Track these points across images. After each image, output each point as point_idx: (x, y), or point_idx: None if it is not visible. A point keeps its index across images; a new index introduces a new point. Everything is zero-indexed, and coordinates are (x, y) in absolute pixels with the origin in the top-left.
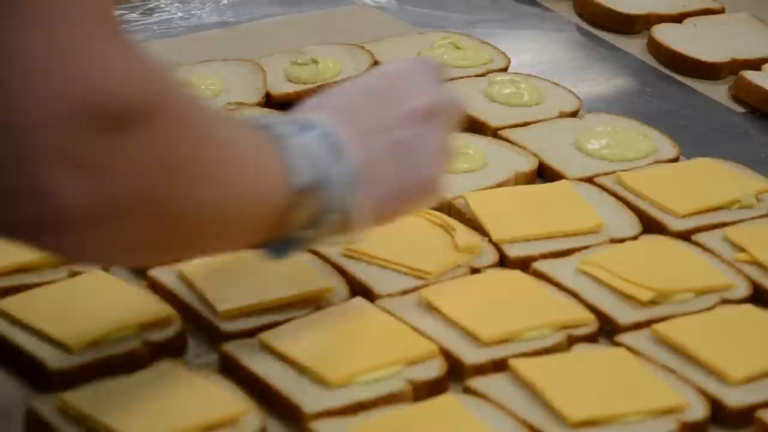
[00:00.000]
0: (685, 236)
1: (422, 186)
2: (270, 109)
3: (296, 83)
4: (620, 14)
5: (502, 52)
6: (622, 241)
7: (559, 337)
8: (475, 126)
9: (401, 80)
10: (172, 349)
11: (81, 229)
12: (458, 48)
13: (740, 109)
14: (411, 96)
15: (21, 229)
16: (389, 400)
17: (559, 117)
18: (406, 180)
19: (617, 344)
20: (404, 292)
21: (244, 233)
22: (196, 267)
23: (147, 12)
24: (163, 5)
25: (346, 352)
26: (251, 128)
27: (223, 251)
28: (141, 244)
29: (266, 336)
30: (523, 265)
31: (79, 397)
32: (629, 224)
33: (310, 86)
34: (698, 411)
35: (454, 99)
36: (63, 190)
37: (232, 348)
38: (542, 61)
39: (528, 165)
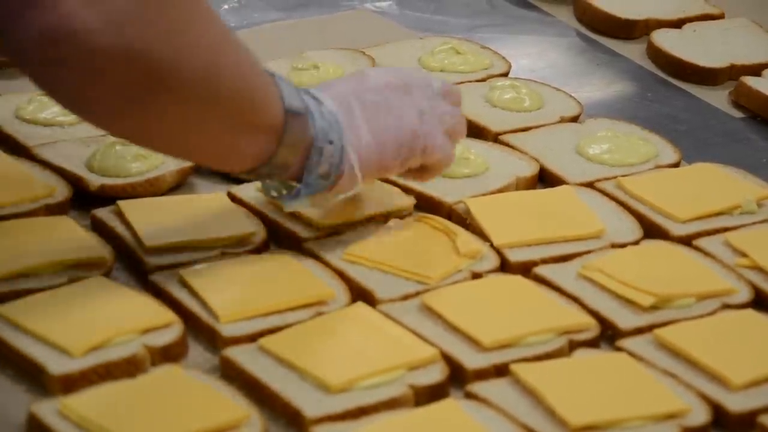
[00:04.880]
0: (686, 241)
1: (398, 139)
2: None
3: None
4: (620, 19)
5: (503, 57)
6: (623, 246)
7: (561, 342)
8: (475, 131)
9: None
10: (173, 354)
11: (78, 52)
12: (459, 53)
13: (740, 115)
14: (380, 74)
15: (29, 38)
16: (390, 405)
17: (560, 122)
18: (382, 133)
19: (618, 349)
20: (405, 297)
21: (244, 131)
22: (197, 272)
23: None
24: None
25: (347, 357)
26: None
27: (219, 157)
28: (127, 94)
29: (267, 341)
30: (525, 270)
31: (80, 402)
32: (630, 229)
33: None
34: (700, 416)
35: (432, 79)
36: (74, 11)
37: (233, 353)
38: (543, 66)
39: (529, 170)
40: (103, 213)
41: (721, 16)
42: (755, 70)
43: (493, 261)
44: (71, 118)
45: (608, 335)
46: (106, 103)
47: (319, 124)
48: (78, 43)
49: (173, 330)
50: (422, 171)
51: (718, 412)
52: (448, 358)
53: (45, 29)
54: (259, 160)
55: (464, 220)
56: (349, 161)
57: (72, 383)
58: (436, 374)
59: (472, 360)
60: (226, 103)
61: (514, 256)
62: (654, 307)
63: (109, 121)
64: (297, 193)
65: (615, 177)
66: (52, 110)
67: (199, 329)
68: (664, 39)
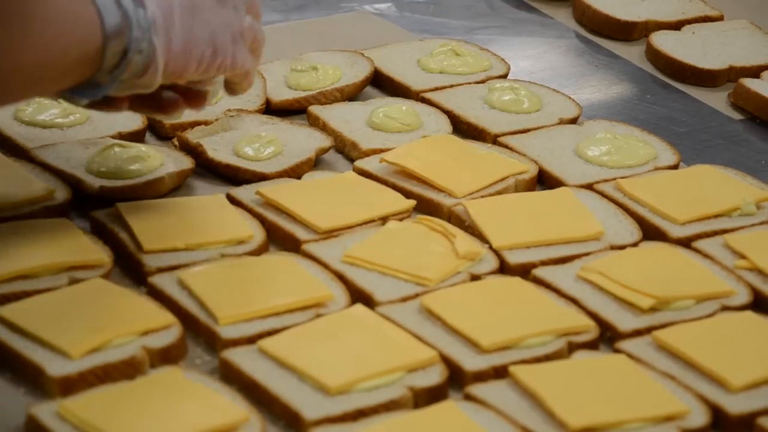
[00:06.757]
0: (686, 243)
1: (204, 52)
2: (270, 116)
3: (296, 90)
4: (619, 21)
5: (502, 59)
6: (622, 247)
7: (560, 343)
8: (475, 133)
9: None
10: (172, 356)
11: None
12: (458, 55)
13: (739, 116)
14: None
15: None
16: (389, 406)
17: (559, 124)
18: (192, 43)
19: (618, 351)
20: (404, 299)
21: (62, 78)
22: (196, 274)
23: None
24: None
25: (346, 359)
26: None
27: (40, 95)
28: None
29: (266, 343)
30: (524, 271)
31: (79, 404)
32: (629, 231)
33: (309, 93)
34: (699, 418)
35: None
36: None
37: (232, 355)
38: (542, 68)
39: (528, 172)
40: (102, 215)
41: (720, 18)
42: (754, 72)
43: (492, 263)
44: (70, 120)
45: (607, 337)
46: None
47: (135, 34)
48: None
49: (172, 332)
50: (228, 85)
51: (718, 414)
52: (447, 360)
53: None
54: (75, 84)
55: (463, 222)
56: (155, 66)
57: (71, 385)
58: (435, 376)
59: (471, 362)
60: (43, 29)
61: (513, 258)
62: (653, 309)
63: None
64: (96, 93)
65: (614, 179)
66: (51, 112)
67: (198, 331)
68: (663, 41)
